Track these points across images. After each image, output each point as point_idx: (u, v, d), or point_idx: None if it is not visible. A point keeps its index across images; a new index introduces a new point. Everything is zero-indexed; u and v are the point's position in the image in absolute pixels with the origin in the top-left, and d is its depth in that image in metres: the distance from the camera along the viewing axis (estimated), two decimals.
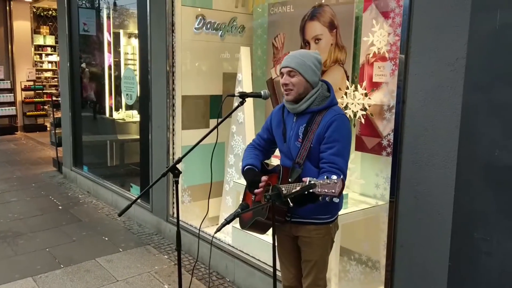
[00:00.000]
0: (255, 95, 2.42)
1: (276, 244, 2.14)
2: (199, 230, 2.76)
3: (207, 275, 3.93)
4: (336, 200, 1.89)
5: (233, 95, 2.40)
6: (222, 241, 3.97)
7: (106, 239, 4.73)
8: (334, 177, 1.89)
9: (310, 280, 2.45)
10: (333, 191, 1.85)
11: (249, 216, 2.50)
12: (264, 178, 2.36)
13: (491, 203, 1.75)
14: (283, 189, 1.99)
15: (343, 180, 1.90)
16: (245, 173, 2.47)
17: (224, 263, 3.89)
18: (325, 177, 1.92)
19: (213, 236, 2.65)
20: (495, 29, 1.67)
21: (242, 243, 3.79)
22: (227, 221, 2.23)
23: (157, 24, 4.48)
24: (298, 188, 1.91)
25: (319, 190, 1.88)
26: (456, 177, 1.88)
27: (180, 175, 2.43)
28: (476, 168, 1.80)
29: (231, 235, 3.99)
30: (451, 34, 2.23)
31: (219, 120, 2.45)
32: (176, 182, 2.41)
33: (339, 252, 3.16)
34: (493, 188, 1.74)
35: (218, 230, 2.26)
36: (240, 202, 2.60)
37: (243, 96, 2.38)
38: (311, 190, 1.89)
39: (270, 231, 2.55)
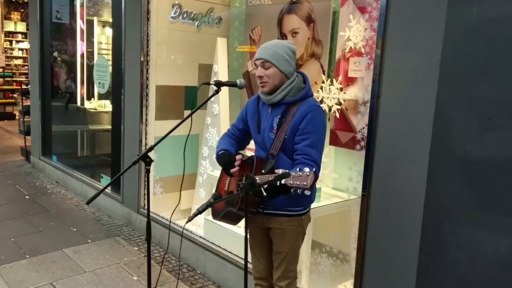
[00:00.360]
0: (230, 84, 2.39)
1: (248, 235, 2.12)
2: (170, 221, 2.72)
3: (177, 267, 3.88)
4: (307, 192, 1.88)
5: (209, 83, 2.36)
6: (193, 233, 3.93)
7: (74, 230, 4.62)
8: (307, 169, 1.88)
9: (281, 271, 2.44)
10: (305, 183, 1.84)
11: (222, 206, 2.48)
12: (239, 156, 2.35)
13: (461, 196, 1.77)
14: (257, 178, 1.97)
15: (316, 173, 1.89)
16: (220, 156, 2.44)
17: (195, 255, 3.85)
18: (298, 169, 1.91)
19: (183, 227, 2.61)
20: (471, 23, 1.69)
21: (214, 235, 3.76)
22: (199, 211, 2.20)
23: (132, 11, 4.39)
24: (271, 178, 1.90)
25: (291, 182, 1.87)
26: (428, 171, 1.90)
27: (152, 163, 2.37)
28: (448, 162, 1.82)
29: (203, 227, 3.96)
30: (427, 29, 2.25)
31: (194, 108, 2.41)
32: (148, 171, 2.36)
33: (310, 245, 3.17)
34: (464, 182, 1.77)
35: (190, 219, 2.23)
36: (213, 193, 2.57)
37: (219, 84, 2.35)
38: (283, 182, 1.88)
39: (241, 223, 2.54)
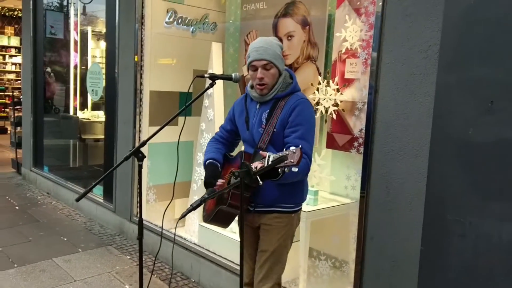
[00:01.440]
0: (225, 77, 2.34)
1: (243, 229, 2.03)
2: (163, 216, 2.59)
3: (171, 276, 3.77)
4: (294, 169, 1.81)
5: (203, 76, 2.31)
6: (187, 240, 3.83)
7: (65, 239, 4.49)
8: (292, 147, 1.83)
9: (263, 272, 2.31)
10: (292, 160, 1.79)
11: (212, 207, 2.39)
12: (219, 183, 2.28)
13: (464, 183, 1.71)
14: (252, 166, 1.90)
15: (302, 150, 1.83)
16: (207, 167, 2.39)
17: (189, 262, 3.75)
18: (284, 149, 1.87)
19: (175, 228, 2.53)
20: (469, 5, 1.66)
21: (208, 241, 3.66)
22: (193, 207, 2.11)
23: (126, 15, 4.36)
24: (268, 164, 1.83)
25: None
26: (429, 161, 1.84)
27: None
28: (449, 150, 1.77)
29: (197, 235, 3.86)
30: (424, 22, 2.23)
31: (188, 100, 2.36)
32: (140, 166, 2.28)
33: (308, 248, 3.08)
34: (466, 168, 1.71)
35: (183, 216, 2.13)
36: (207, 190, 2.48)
37: (213, 77, 2.30)
38: (270, 162, 1.82)
39: (233, 226, 2.44)
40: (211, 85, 2.31)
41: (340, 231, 3.24)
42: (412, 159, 2.31)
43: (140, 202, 2.35)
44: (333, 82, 3.29)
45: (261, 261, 2.33)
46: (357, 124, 3.17)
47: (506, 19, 1.58)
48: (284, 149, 1.88)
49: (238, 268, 3.28)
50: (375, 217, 2.52)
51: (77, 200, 2.24)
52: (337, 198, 3.36)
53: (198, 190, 4.18)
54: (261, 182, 1.82)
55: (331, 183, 3.45)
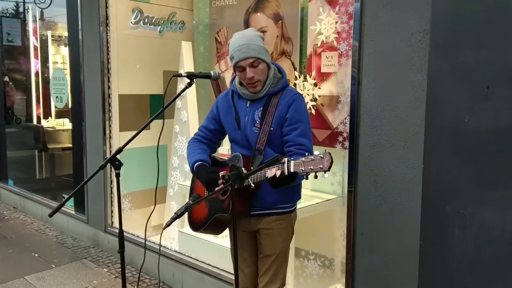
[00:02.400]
0: (204, 75, 2.21)
1: (236, 239, 1.91)
2: (145, 227, 2.45)
3: (152, 286, 3.61)
4: (326, 176, 1.71)
5: (180, 75, 2.18)
6: (168, 248, 3.68)
7: (36, 255, 4.26)
8: (317, 152, 1.73)
9: (269, 276, 2.23)
10: (321, 166, 1.67)
11: (204, 215, 2.25)
12: (222, 173, 2.12)
13: (463, 173, 1.66)
14: (244, 170, 1.79)
15: (330, 154, 1.72)
16: (197, 170, 2.20)
17: (171, 271, 3.60)
18: (307, 154, 1.75)
19: (160, 238, 2.40)
20: None
21: (190, 248, 3.52)
22: (178, 215, 1.99)
23: (89, 17, 4.15)
24: (259, 167, 1.72)
25: (303, 168, 1.70)
26: (425, 150, 1.78)
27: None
28: (445, 138, 1.71)
29: (177, 241, 3.72)
30: (406, 9, 2.18)
31: (164, 103, 2.22)
32: (117, 175, 2.14)
33: (294, 248, 3.00)
34: (464, 157, 1.65)
35: (168, 224, 2.01)
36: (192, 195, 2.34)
37: (191, 76, 2.17)
38: (292, 170, 1.71)
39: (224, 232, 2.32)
40: (190, 85, 2.18)
41: (326, 229, 3.16)
42: (400, 151, 2.26)
43: (119, 212, 2.20)
44: (310, 77, 3.21)
45: (266, 266, 2.23)
46: (336, 119, 3.11)
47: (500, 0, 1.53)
48: (307, 154, 1.76)
49: (222, 273, 3.18)
50: (364, 213, 2.45)
51: (50, 215, 2.06)
52: (319, 195, 3.28)
53: (175, 195, 4.04)
54: (252, 185, 1.71)
55: (313, 180, 3.37)
